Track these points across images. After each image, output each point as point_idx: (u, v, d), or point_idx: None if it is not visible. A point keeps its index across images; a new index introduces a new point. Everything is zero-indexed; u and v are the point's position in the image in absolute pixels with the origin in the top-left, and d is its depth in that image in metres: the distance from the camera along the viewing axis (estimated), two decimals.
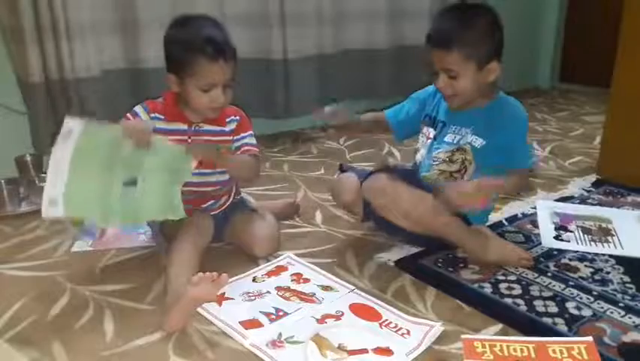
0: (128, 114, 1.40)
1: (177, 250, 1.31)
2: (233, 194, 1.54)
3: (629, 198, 1.88)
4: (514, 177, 1.42)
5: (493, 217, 1.71)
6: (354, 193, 1.52)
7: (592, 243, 1.55)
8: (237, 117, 1.48)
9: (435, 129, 1.52)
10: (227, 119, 1.46)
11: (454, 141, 1.47)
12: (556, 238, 1.58)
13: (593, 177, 2.08)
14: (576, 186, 2.01)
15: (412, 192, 1.39)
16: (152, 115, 1.40)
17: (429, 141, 1.52)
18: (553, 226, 1.65)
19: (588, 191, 1.96)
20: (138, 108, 1.41)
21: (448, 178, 1.47)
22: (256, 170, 1.52)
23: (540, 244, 1.54)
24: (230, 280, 1.35)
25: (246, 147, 1.46)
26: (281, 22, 2.46)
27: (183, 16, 1.40)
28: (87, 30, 2.01)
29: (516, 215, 1.74)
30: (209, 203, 1.49)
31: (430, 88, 1.57)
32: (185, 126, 1.42)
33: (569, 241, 1.56)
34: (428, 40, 1.40)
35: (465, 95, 1.41)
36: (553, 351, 1.07)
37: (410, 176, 1.51)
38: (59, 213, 1.25)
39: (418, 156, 1.56)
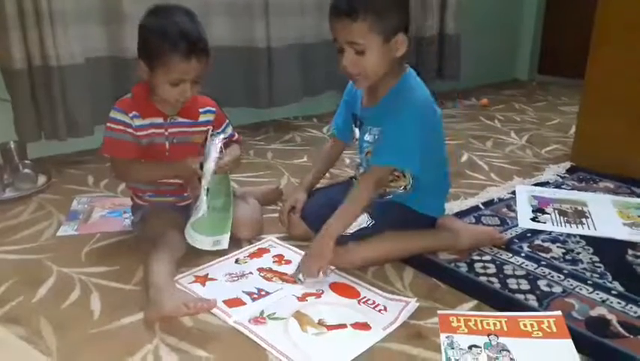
0: (109, 124, 1.40)
1: (154, 261, 1.27)
2: None
3: (601, 184, 1.94)
4: (359, 189, 1.33)
5: (471, 202, 1.77)
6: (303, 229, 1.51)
7: (567, 224, 1.61)
8: (212, 109, 1.50)
9: (359, 128, 1.44)
10: (201, 110, 1.48)
11: (373, 140, 1.39)
12: (533, 219, 1.64)
13: (567, 164, 2.14)
14: (551, 172, 2.07)
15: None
16: (131, 114, 1.39)
17: (357, 142, 1.45)
18: (530, 209, 1.71)
19: (562, 177, 2.02)
20: (117, 115, 1.39)
21: (391, 182, 1.42)
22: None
23: (515, 226, 1.60)
24: (214, 261, 1.40)
25: (235, 137, 1.56)
26: (264, 10, 2.49)
27: (159, 5, 1.38)
28: (71, 17, 2.02)
29: (492, 200, 1.79)
30: None
31: (348, 85, 1.49)
32: (160, 120, 1.42)
33: (544, 223, 1.61)
34: (331, 12, 1.26)
35: (373, 74, 1.29)
36: (524, 325, 1.12)
37: (338, 194, 1.41)
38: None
39: (357, 159, 1.48)
